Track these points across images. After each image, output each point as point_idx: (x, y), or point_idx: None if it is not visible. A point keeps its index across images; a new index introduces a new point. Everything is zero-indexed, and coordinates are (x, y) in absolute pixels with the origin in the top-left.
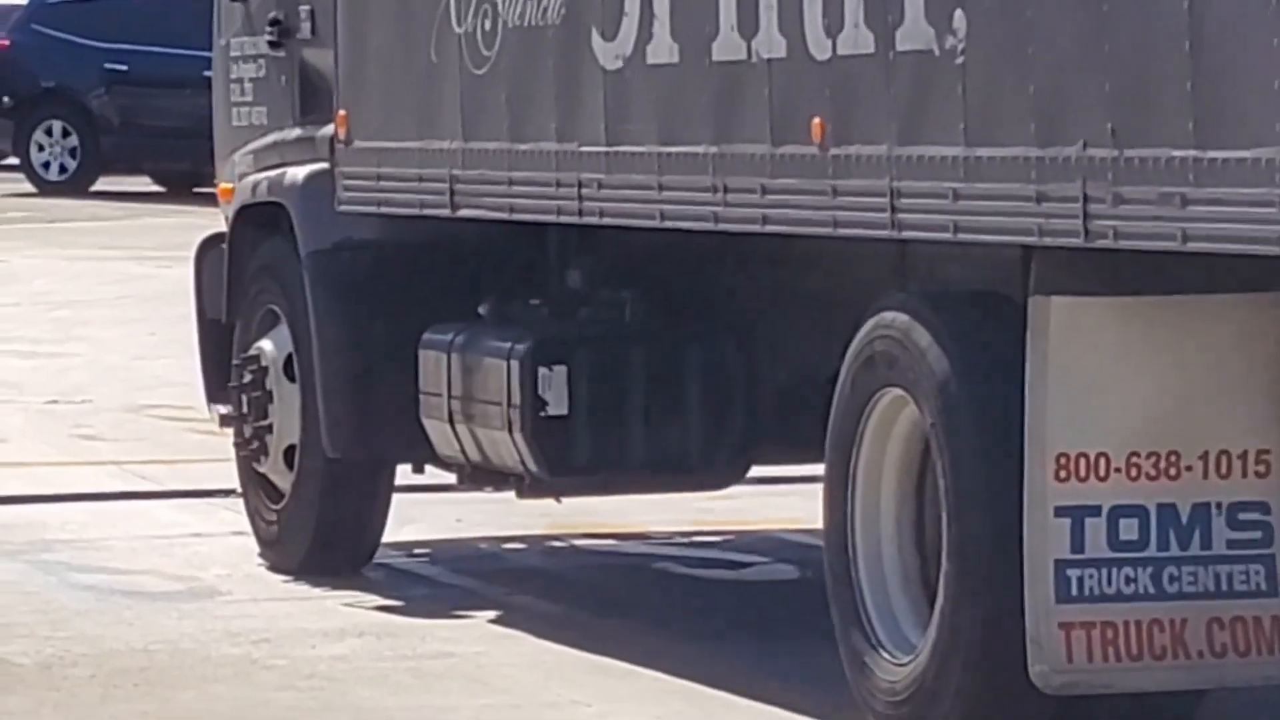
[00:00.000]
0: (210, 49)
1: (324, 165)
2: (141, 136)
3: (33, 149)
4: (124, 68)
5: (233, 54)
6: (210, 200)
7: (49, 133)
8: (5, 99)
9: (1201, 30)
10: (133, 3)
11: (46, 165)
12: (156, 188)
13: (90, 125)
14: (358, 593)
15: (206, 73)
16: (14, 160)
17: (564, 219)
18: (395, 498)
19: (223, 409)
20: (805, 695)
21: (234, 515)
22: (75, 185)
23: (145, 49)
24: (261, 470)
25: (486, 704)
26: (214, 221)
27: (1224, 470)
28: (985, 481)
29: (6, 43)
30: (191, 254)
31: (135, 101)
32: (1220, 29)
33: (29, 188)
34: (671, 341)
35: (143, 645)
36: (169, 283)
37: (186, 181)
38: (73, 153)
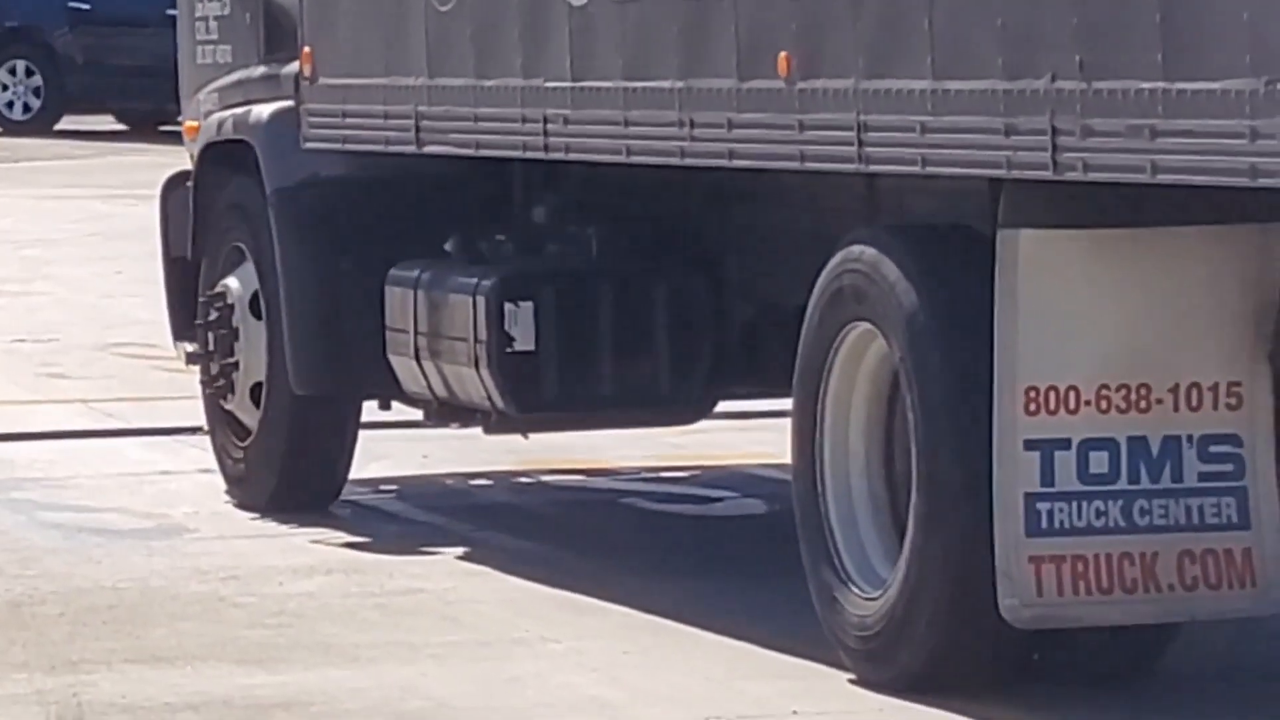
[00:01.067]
0: None
1: (289, 103)
2: (105, 75)
3: None
4: (87, 6)
5: None
6: (175, 138)
7: (12, 72)
8: None
9: None
10: None
11: (10, 105)
12: (120, 126)
13: (54, 64)
14: (325, 530)
15: (170, 11)
16: None
17: (530, 155)
18: (362, 434)
19: (189, 346)
20: (774, 630)
21: (201, 453)
22: (40, 124)
23: None
24: (228, 408)
25: (455, 640)
26: (179, 159)
27: (1195, 402)
28: (954, 415)
29: None
30: (157, 192)
31: (98, 40)
32: None
33: None
34: (638, 276)
35: (111, 583)
36: (135, 221)
37: (151, 120)
38: (36, 92)
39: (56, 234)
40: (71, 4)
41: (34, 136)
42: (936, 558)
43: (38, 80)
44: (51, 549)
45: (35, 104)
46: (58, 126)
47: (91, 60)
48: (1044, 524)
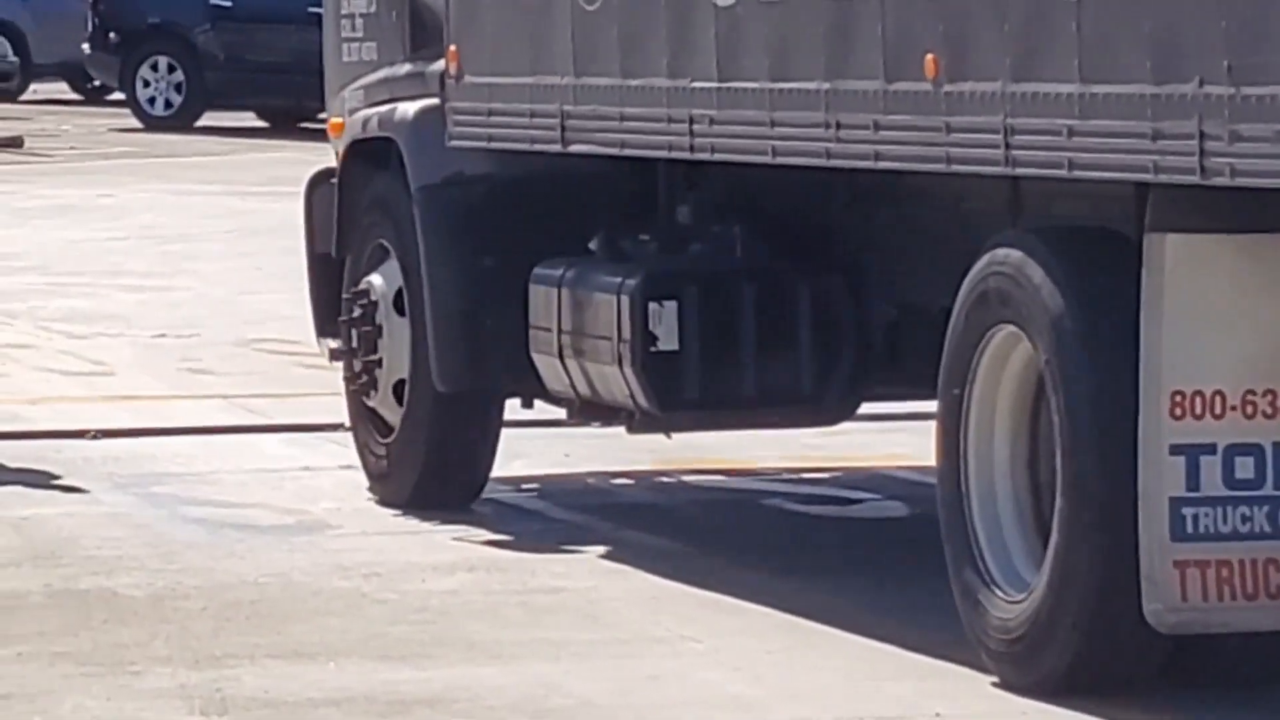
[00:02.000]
0: None
1: (434, 100)
2: (246, 72)
3: (138, 85)
4: (228, 3)
5: None
6: (314, 135)
7: (154, 68)
8: (111, 35)
9: None
10: None
11: (152, 101)
12: (260, 123)
13: (195, 61)
14: (467, 527)
15: (311, 8)
16: (120, 96)
17: (675, 155)
18: (504, 432)
19: (332, 343)
20: (915, 631)
21: (343, 449)
22: (180, 120)
23: None
24: (371, 405)
25: (596, 638)
26: (318, 157)
27: None
28: (1099, 419)
29: None
30: (300, 189)
31: (239, 37)
32: None
33: (135, 123)
34: (782, 277)
35: (254, 578)
36: (275, 217)
37: (290, 117)
38: (178, 88)
39: (197, 229)
40: (213, 1)
41: (175, 133)
42: (1080, 561)
43: (179, 76)
44: (193, 544)
45: (176, 100)
46: (199, 123)
47: (232, 57)
48: (1189, 529)
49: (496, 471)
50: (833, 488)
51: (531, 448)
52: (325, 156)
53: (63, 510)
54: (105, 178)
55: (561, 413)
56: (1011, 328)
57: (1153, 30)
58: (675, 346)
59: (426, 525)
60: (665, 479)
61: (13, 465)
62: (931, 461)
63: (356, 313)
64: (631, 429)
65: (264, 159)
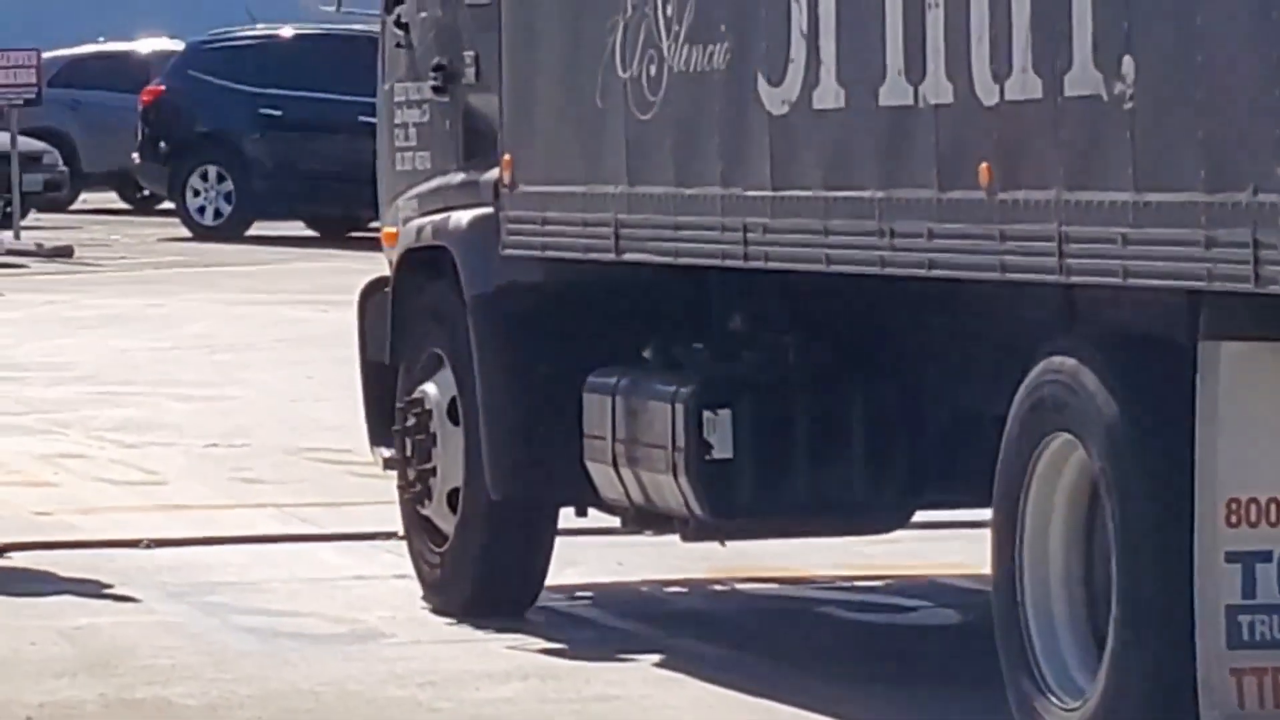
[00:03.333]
0: (367, 94)
1: (488, 209)
2: (295, 181)
3: (188, 194)
4: (278, 112)
5: (397, 99)
6: (365, 244)
7: (204, 177)
8: (161, 144)
9: None
10: (286, 48)
11: (202, 210)
12: (310, 232)
13: (244, 170)
14: (521, 635)
15: (361, 117)
16: (169, 205)
17: (729, 263)
18: (558, 540)
19: (386, 452)
20: None
21: (396, 558)
22: (230, 230)
23: (299, 94)
24: (425, 513)
25: None
26: (369, 265)
27: None
28: (1155, 526)
29: (162, 88)
30: (351, 298)
31: (289, 146)
32: None
33: (184, 232)
34: (836, 385)
35: (309, 687)
36: (325, 326)
37: (340, 226)
38: (227, 197)
39: (247, 339)
40: (263, 110)
41: (225, 242)
42: (1136, 669)
43: (229, 185)
44: (247, 652)
45: (226, 209)
46: (248, 232)
47: (282, 165)
48: (1246, 636)
49: (550, 579)
50: (886, 595)
51: (585, 555)
52: (376, 265)
53: (116, 620)
54: (155, 287)
55: (615, 521)
56: (1066, 435)
57: (1206, 138)
58: (729, 454)
59: (481, 634)
60: (719, 587)
61: (66, 575)
62: (985, 569)
63: (410, 421)
64: (685, 537)
65: (314, 268)
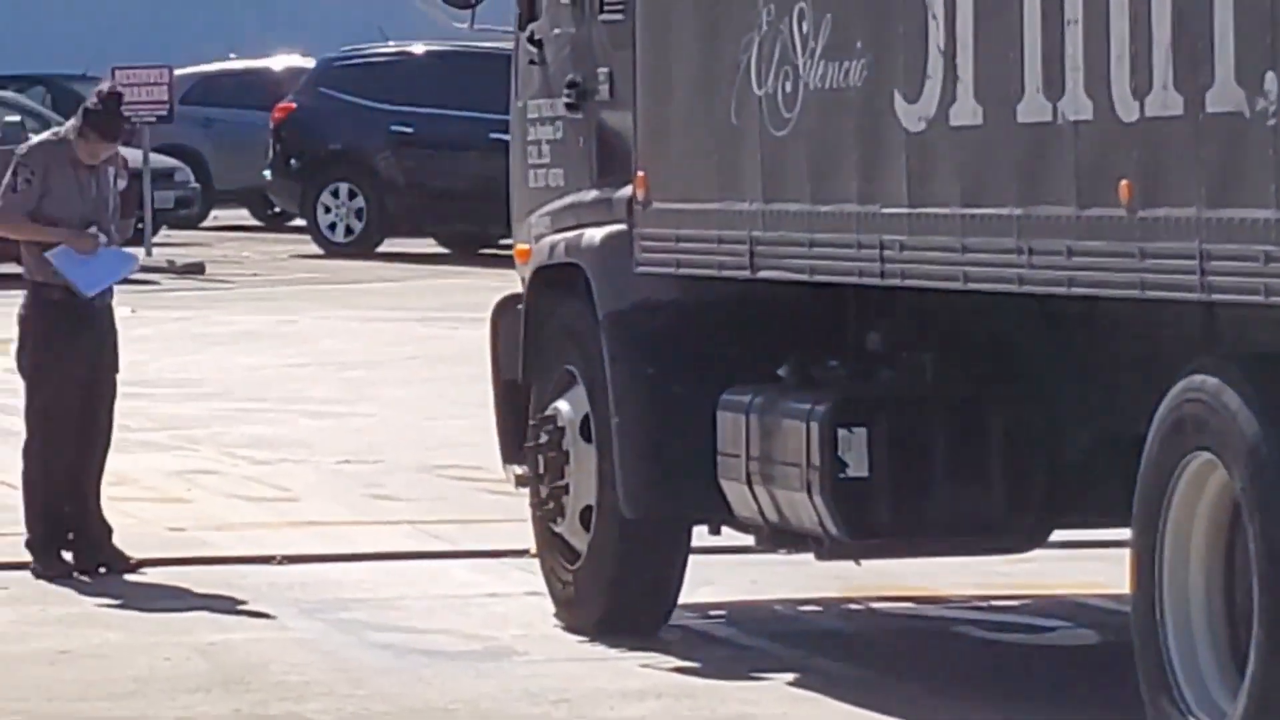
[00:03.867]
0: (499, 111)
1: (621, 226)
2: (427, 198)
3: (319, 211)
4: (409, 130)
5: (530, 116)
6: (496, 262)
7: (335, 195)
8: (292, 161)
9: None
10: (418, 65)
11: (333, 227)
12: (442, 249)
13: (376, 187)
14: (654, 654)
15: (493, 134)
16: (301, 222)
17: (865, 280)
18: (691, 558)
19: (519, 469)
20: None
21: (529, 575)
22: (361, 247)
23: (430, 111)
24: (558, 531)
25: None
26: (500, 283)
27: None
28: None
29: (293, 106)
30: (483, 315)
31: (420, 163)
32: None
33: (316, 249)
34: (973, 403)
35: (442, 704)
36: (457, 344)
37: (472, 243)
38: (359, 214)
39: (379, 356)
40: (394, 127)
41: (356, 259)
42: (1277, 690)
43: (360, 203)
44: (381, 669)
45: (357, 226)
46: (380, 249)
47: (413, 183)
48: None
49: (684, 598)
50: (1024, 615)
51: (719, 574)
52: (507, 282)
53: (250, 636)
54: (286, 304)
55: (749, 539)
56: (1207, 455)
57: None
58: (865, 473)
59: (614, 652)
60: (854, 606)
61: (200, 591)
62: (1123, 589)
63: (543, 439)
64: (821, 555)
65: (446, 285)
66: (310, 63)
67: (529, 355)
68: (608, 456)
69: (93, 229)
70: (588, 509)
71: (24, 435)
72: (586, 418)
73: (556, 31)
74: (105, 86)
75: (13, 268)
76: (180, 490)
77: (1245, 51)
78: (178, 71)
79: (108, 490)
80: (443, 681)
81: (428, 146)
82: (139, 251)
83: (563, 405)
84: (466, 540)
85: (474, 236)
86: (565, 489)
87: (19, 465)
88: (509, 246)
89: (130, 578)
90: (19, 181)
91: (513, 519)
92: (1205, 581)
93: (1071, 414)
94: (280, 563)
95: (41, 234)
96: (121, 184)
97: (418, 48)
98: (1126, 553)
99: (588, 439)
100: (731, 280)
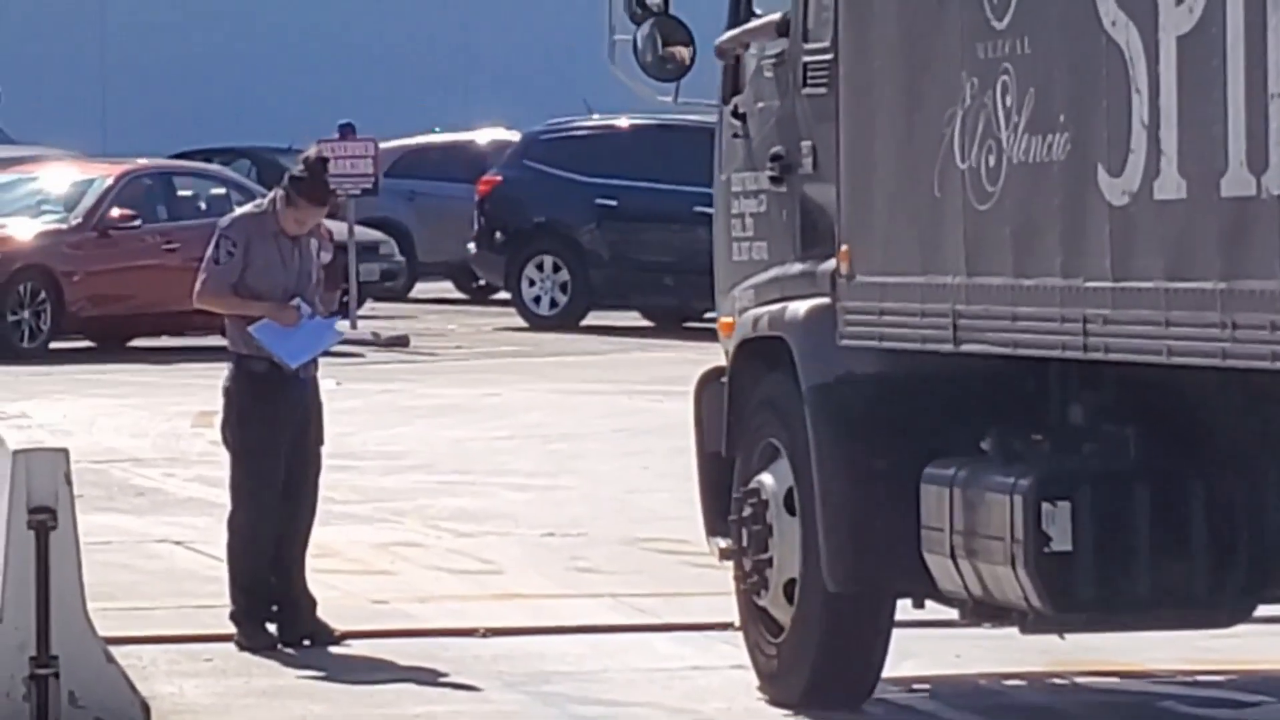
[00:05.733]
0: (703, 184)
1: (825, 300)
2: (631, 271)
3: (524, 283)
4: (614, 203)
5: (734, 189)
6: (700, 335)
7: (540, 267)
8: (497, 234)
9: None
10: (623, 138)
11: (537, 299)
12: (646, 322)
13: (580, 260)
14: None
15: (697, 207)
16: (506, 295)
17: (1069, 354)
18: (894, 632)
19: (722, 542)
20: None
21: (733, 649)
22: (565, 319)
23: (635, 184)
24: (761, 604)
25: None
26: (704, 356)
27: None
28: None
29: (498, 179)
30: (687, 388)
31: (625, 236)
32: None
33: (520, 322)
34: (1177, 477)
35: None
36: (662, 416)
37: (676, 316)
38: (563, 287)
39: (583, 429)
40: (599, 200)
41: (560, 331)
42: None
43: (564, 275)
44: None
45: (562, 299)
46: (584, 322)
47: (618, 256)
48: None
49: (887, 672)
50: (1229, 690)
51: (923, 647)
52: (711, 356)
53: (453, 708)
54: (490, 377)
55: (953, 612)
56: None
57: None
58: (1069, 547)
59: None
60: (1058, 680)
61: (403, 663)
62: None
63: (747, 512)
64: (1025, 629)
65: (650, 358)
66: (514, 136)
67: (732, 428)
68: (812, 530)
69: (295, 300)
70: (791, 582)
71: (229, 507)
72: (790, 491)
73: (760, 105)
74: (311, 153)
75: (218, 340)
76: (384, 562)
77: None
78: (383, 145)
79: (312, 562)
80: None
81: (632, 219)
82: (344, 324)
83: (766, 478)
84: (669, 613)
85: (678, 309)
86: (769, 562)
87: (224, 537)
88: (713, 319)
89: (334, 650)
90: (221, 253)
91: (716, 592)
92: None
93: (1275, 488)
94: (484, 635)
95: (244, 307)
96: (326, 257)
97: (622, 121)
98: None
99: (791, 512)
100: (935, 353)
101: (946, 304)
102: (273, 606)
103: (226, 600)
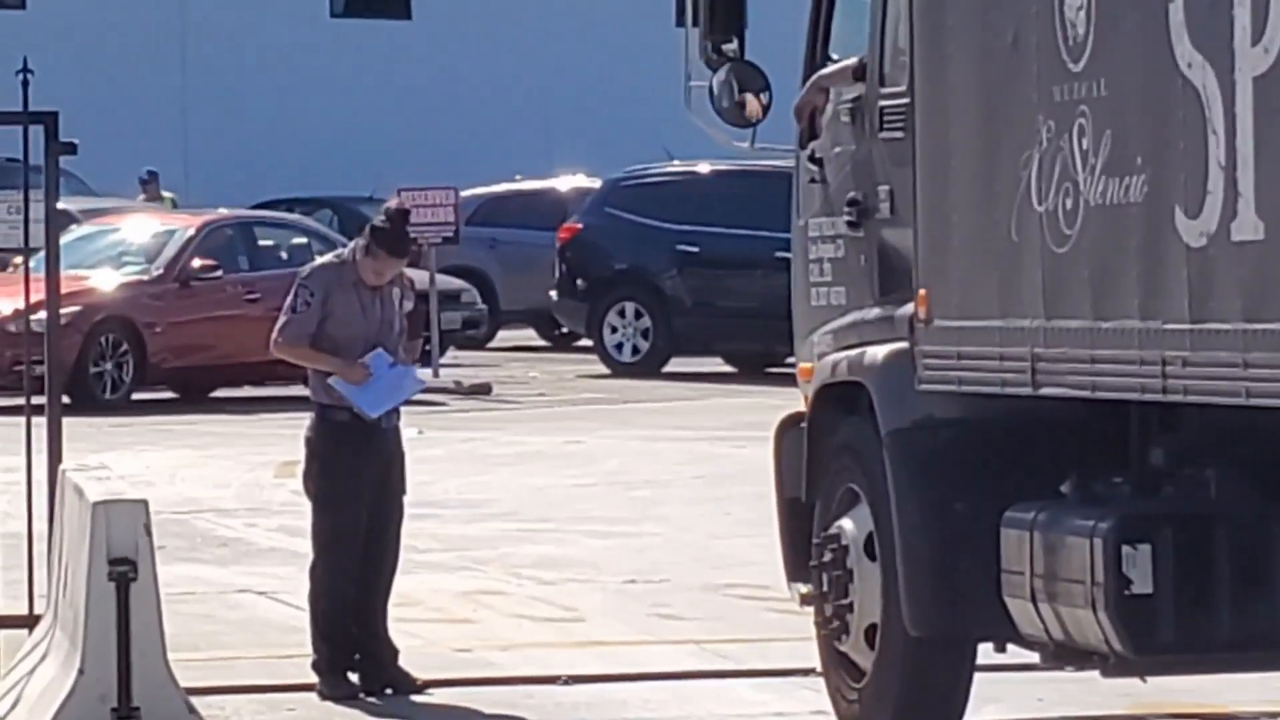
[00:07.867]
0: (783, 230)
1: (903, 344)
2: (712, 317)
3: (606, 330)
4: (695, 249)
5: (811, 234)
6: (782, 380)
7: (621, 314)
8: (579, 282)
9: None
10: (704, 184)
11: (619, 346)
12: (728, 368)
13: (662, 306)
14: None
15: (778, 253)
16: (588, 342)
17: (1148, 397)
18: (977, 676)
19: (803, 588)
20: None
21: (815, 694)
22: (647, 366)
23: (716, 230)
24: (843, 649)
25: None
26: (786, 402)
27: None
28: None
29: (579, 226)
30: (768, 434)
31: (707, 282)
32: None
33: (602, 369)
34: (1257, 519)
35: None
36: (742, 463)
37: (758, 362)
38: (645, 334)
39: (665, 475)
40: (680, 246)
41: (642, 378)
42: None
43: (646, 322)
44: None
45: (643, 346)
46: (666, 368)
47: (699, 302)
48: None
49: (969, 716)
50: None
51: (1005, 691)
52: (793, 401)
53: None
54: (572, 424)
55: (1034, 656)
56: None
57: None
58: (1149, 590)
59: None
60: None
61: (486, 712)
62: None
63: (827, 557)
64: (1106, 673)
65: (731, 404)
66: (594, 183)
67: (812, 473)
68: (892, 574)
69: (369, 355)
70: (872, 627)
71: (311, 557)
72: (870, 535)
73: (837, 150)
74: (393, 204)
75: (300, 390)
76: (466, 611)
77: None
78: (464, 193)
79: (394, 611)
80: None
81: (713, 265)
82: (425, 373)
83: (846, 523)
84: (751, 659)
85: (760, 355)
86: (850, 607)
87: (306, 587)
88: (794, 365)
89: (416, 699)
90: (299, 303)
91: (798, 637)
92: None
93: None
94: (566, 683)
95: (316, 360)
96: (408, 305)
97: (703, 167)
98: None
99: (872, 557)
100: (1014, 397)
101: (1025, 347)
102: (355, 656)
103: (309, 650)
